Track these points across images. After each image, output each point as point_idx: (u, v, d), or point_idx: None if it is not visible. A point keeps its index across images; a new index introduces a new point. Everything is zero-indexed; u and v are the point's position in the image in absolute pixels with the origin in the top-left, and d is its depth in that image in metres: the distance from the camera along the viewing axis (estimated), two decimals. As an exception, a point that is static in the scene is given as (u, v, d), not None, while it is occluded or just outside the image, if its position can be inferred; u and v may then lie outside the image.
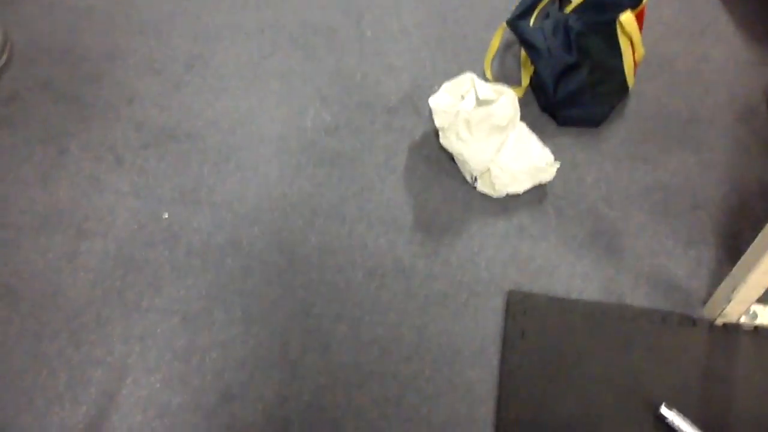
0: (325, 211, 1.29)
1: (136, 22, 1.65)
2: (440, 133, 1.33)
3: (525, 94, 1.42)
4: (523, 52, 1.44)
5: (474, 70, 1.42)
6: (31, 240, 1.27)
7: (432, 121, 1.31)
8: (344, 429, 1.04)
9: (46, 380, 1.09)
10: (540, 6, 1.39)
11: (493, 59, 1.48)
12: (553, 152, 1.29)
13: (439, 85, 1.30)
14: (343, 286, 1.19)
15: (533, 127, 1.32)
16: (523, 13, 1.38)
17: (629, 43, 1.33)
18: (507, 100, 1.25)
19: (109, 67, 1.56)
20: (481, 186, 1.28)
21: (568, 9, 1.36)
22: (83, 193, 1.34)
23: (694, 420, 0.99)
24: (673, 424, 0.99)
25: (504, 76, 1.48)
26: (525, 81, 1.43)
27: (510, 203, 1.27)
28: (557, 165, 1.24)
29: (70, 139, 1.43)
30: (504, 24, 1.41)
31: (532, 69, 1.40)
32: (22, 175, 1.37)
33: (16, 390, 1.08)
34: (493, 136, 1.26)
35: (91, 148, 1.41)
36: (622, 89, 1.38)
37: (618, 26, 1.31)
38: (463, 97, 1.32)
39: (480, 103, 1.27)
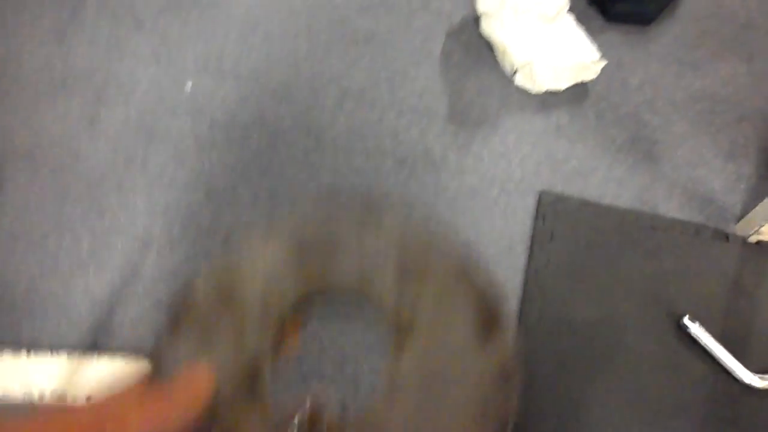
0: (355, 94, 1.23)
1: None
2: (482, 19, 1.25)
3: (574, -17, 1.33)
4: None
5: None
6: (48, 103, 1.22)
7: (473, 3, 1.23)
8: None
9: (70, 245, 1.07)
10: None
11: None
12: (599, 50, 1.21)
13: (487, -34, 1.21)
14: (371, 173, 1.16)
15: (580, 20, 1.24)
16: None
17: (695, -65, 1.23)
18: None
19: None
20: (521, 79, 1.21)
21: None
22: (102, 56, 1.27)
23: (715, 334, 0.99)
24: (695, 335, 0.99)
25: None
26: (576, -32, 1.33)
27: (549, 100, 1.22)
28: (603, 63, 1.18)
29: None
30: None
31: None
32: (37, 32, 1.29)
33: (40, 253, 1.06)
34: (540, 27, 1.18)
35: (107, 8, 1.33)
36: (680, -14, 1.29)
37: None
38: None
39: (528, -12, 1.18)
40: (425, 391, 0.28)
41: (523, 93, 1.22)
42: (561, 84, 1.20)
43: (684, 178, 1.15)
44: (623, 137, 1.19)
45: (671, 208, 1.12)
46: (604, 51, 1.24)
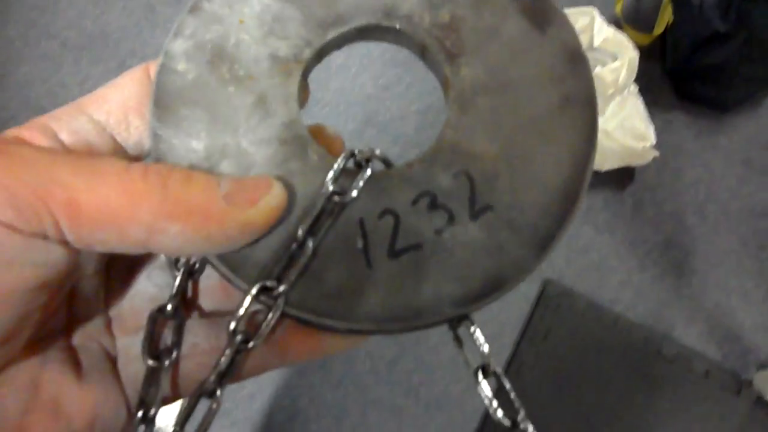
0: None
1: None
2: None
3: (652, 43, 1.15)
4: (668, -7, 1.14)
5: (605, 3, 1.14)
6: (72, 61, 1.15)
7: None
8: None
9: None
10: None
11: (630, -8, 1.18)
12: (660, 129, 1.04)
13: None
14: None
15: (647, 89, 1.07)
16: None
17: (805, 23, 1.03)
18: (624, 63, 1.00)
19: None
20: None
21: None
22: (135, 22, 1.19)
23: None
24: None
25: (636, 15, 1.19)
26: (658, 29, 1.14)
27: (586, 178, 1.07)
28: (656, 154, 1.01)
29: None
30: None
31: (671, 18, 1.12)
32: (78, -17, 1.22)
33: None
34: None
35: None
36: (772, 76, 1.09)
37: (800, 0, 1.00)
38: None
39: (592, 51, 1.02)
40: (496, 95, 0.25)
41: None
42: (605, 165, 1.04)
43: (712, 304, 0.99)
44: (657, 239, 1.03)
45: (688, 334, 0.97)
46: (665, 133, 1.07)
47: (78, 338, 0.25)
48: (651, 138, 1.03)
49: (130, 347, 0.25)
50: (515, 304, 0.98)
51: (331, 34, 0.26)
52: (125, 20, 1.18)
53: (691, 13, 1.04)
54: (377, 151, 0.25)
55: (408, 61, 1.13)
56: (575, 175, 0.25)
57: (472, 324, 0.25)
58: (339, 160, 0.24)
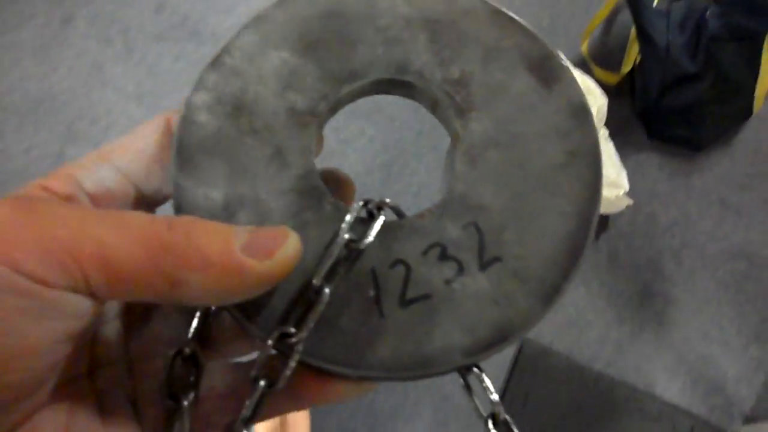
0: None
1: None
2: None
3: (620, 82, 1.11)
4: (633, 29, 1.11)
5: (567, 37, 1.11)
6: (15, 128, 1.09)
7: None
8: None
9: None
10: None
11: (593, 30, 1.15)
12: (633, 171, 1.01)
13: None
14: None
15: (617, 131, 1.03)
16: (652, -15, 1.04)
17: (774, 60, 1.00)
18: (593, 113, 0.96)
19: None
20: (532, 199, 1.03)
21: (710, -6, 1.01)
22: (83, 81, 1.13)
23: None
24: None
25: (603, 53, 1.15)
26: (626, 67, 1.11)
27: (560, 227, 1.03)
28: (629, 202, 0.98)
29: (78, 7, 1.19)
30: (621, -5, 1.07)
31: (639, 57, 1.09)
32: (20, 41, 1.15)
33: None
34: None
35: (99, 23, 1.17)
36: (743, 113, 1.06)
37: (767, 41, 0.97)
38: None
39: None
40: (504, 149, 0.26)
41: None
42: (576, 214, 1.01)
43: (694, 356, 0.96)
44: (635, 289, 1.00)
45: (671, 389, 0.94)
46: (639, 175, 1.04)
47: (100, 382, 0.25)
48: (624, 185, 0.99)
49: (150, 390, 0.26)
50: (492, 366, 0.94)
51: (346, 89, 0.27)
52: (72, 81, 1.12)
53: (659, 55, 1.01)
54: (388, 200, 0.25)
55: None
56: (580, 227, 0.25)
57: (482, 372, 0.25)
58: (354, 207, 0.25)
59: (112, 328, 0.26)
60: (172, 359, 0.24)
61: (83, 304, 0.21)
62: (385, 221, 0.25)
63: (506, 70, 0.27)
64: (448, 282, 0.25)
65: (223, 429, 0.24)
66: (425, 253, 0.25)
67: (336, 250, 0.24)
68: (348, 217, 0.24)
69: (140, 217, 0.21)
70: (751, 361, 0.96)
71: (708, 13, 0.98)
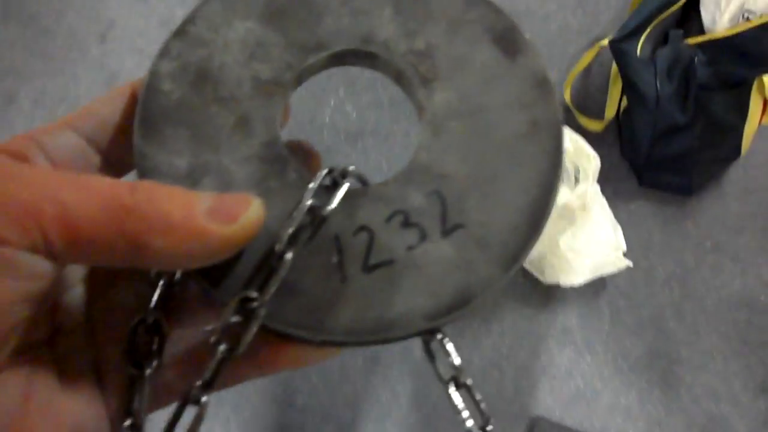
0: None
1: None
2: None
3: (605, 129, 1.07)
4: (613, 69, 1.06)
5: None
6: None
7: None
8: None
9: None
10: (655, 21, 1.00)
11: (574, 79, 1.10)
12: (626, 223, 0.98)
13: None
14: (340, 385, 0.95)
15: (606, 179, 0.99)
16: (633, 32, 0.99)
17: (761, 103, 0.97)
18: (588, 181, 0.92)
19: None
20: (528, 264, 0.99)
21: (693, 40, 0.97)
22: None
23: None
24: None
25: (584, 98, 1.11)
26: (609, 112, 1.07)
27: (558, 292, 0.99)
28: (629, 263, 0.95)
29: (21, 83, 1.08)
30: (603, 42, 1.02)
31: (621, 99, 1.05)
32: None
33: None
34: (560, 213, 0.95)
35: (46, 102, 1.08)
36: (733, 154, 1.03)
37: (755, 84, 0.94)
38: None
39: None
40: (468, 119, 0.26)
41: (529, 279, 0.99)
42: (576, 279, 0.97)
43: (703, 415, 0.95)
44: (639, 350, 0.97)
45: (684, 454, 0.93)
46: (632, 226, 1.01)
47: (62, 349, 0.25)
48: (622, 244, 0.96)
49: (112, 358, 0.25)
50: (504, 449, 0.91)
51: (312, 59, 0.27)
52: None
53: (648, 106, 0.97)
54: (352, 168, 0.25)
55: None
56: (542, 196, 0.25)
57: (444, 337, 0.25)
58: (318, 174, 0.25)
59: (74, 295, 0.26)
60: (134, 327, 0.24)
61: (43, 266, 0.20)
62: (349, 188, 0.25)
63: (470, 41, 0.27)
64: (410, 248, 0.25)
65: (181, 395, 0.23)
66: (389, 220, 0.25)
67: (299, 216, 0.24)
68: (311, 184, 0.24)
69: (102, 180, 0.21)
70: (760, 414, 0.95)
71: (696, 61, 0.94)
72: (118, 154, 0.26)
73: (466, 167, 0.26)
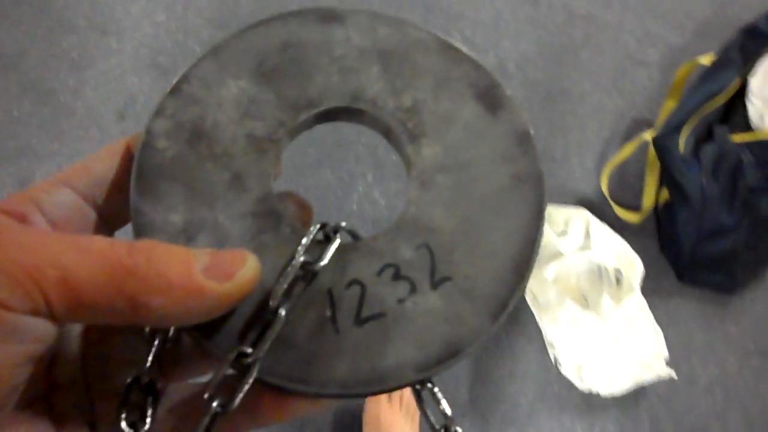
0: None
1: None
2: (529, 300, 0.96)
3: (643, 220, 1.03)
4: (650, 155, 1.02)
5: (584, 172, 1.02)
6: None
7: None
8: None
9: None
10: (699, 115, 0.96)
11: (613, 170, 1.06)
12: (666, 323, 0.93)
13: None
14: None
15: (646, 274, 0.95)
16: (676, 127, 0.95)
17: (811, 204, 0.93)
18: (634, 290, 0.88)
19: (103, 44, 1.12)
20: (566, 370, 0.94)
21: (740, 137, 0.93)
22: None
23: None
24: None
25: (620, 186, 1.07)
26: (647, 202, 1.03)
27: (595, 398, 0.95)
28: (671, 374, 0.90)
29: (36, 164, 1.04)
30: (645, 137, 0.98)
31: (659, 188, 1.01)
32: None
33: None
34: (599, 322, 0.90)
35: (64, 183, 1.03)
36: (777, 253, 0.99)
37: (806, 185, 0.90)
38: (565, 234, 0.95)
39: (599, 274, 0.90)
40: (454, 174, 0.27)
41: (566, 385, 0.95)
42: (615, 388, 0.92)
43: None
44: (682, 463, 0.93)
45: None
46: (672, 324, 0.96)
47: (58, 403, 0.25)
48: (664, 351, 0.92)
49: (108, 412, 0.25)
50: None
51: (303, 116, 0.28)
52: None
53: (692, 206, 0.92)
54: (344, 224, 0.26)
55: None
56: (526, 247, 0.26)
57: (434, 387, 0.25)
58: (311, 230, 0.25)
59: (70, 349, 0.26)
60: (128, 387, 0.24)
61: (45, 327, 0.20)
62: (340, 243, 0.25)
63: (455, 98, 0.28)
64: (401, 301, 0.25)
65: None
66: (380, 273, 0.25)
67: (292, 272, 0.24)
68: (304, 240, 0.25)
69: (101, 241, 0.21)
70: None
71: (741, 157, 0.90)
72: (113, 209, 0.26)
73: (453, 220, 0.26)
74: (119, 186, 0.26)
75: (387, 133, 0.29)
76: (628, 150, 1.01)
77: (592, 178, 1.06)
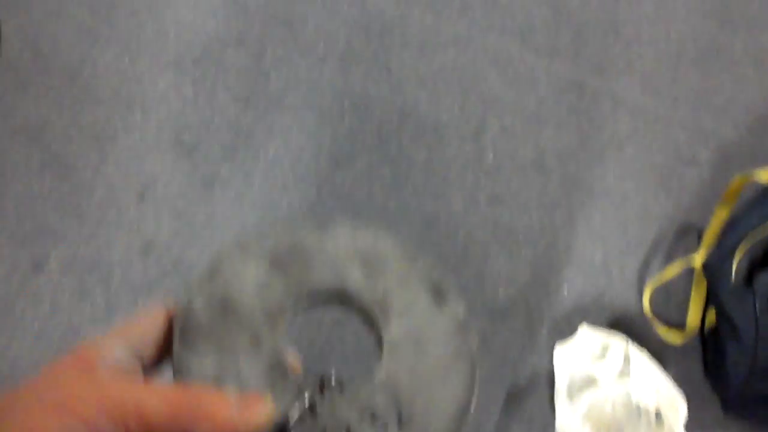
0: None
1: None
2: (556, 400, 0.90)
3: (686, 340, 0.95)
4: (697, 270, 0.95)
5: (623, 275, 0.95)
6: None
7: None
8: None
9: None
10: (754, 237, 0.88)
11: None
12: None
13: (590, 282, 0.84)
14: None
15: (687, 399, 0.88)
16: (729, 251, 0.87)
17: None
18: (676, 418, 0.81)
19: (128, 118, 1.09)
20: None
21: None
22: (55, 348, 0.95)
23: None
24: None
25: (664, 301, 0.99)
26: (692, 321, 0.95)
27: None
28: None
29: (51, 245, 1.01)
30: (694, 263, 0.91)
31: (705, 307, 0.93)
32: None
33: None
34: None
35: (76, 269, 0.99)
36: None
37: None
38: (602, 358, 0.88)
39: (633, 411, 0.82)
40: (413, 347, 0.36)
41: None
42: None
43: None
44: None
45: None
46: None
47: None
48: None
49: None
50: None
51: (303, 299, 0.37)
52: (41, 350, 0.94)
53: (743, 342, 0.84)
54: (335, 374, 0.34)
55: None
56: (463, 406, 0.35)
57: None
58: (312, 382, 0.34)
59: None
60: None
61: None
62: (332, 387, 0.34)
63: (413, 291, 0.37)
64: None
65: None
66: (361, 416, 0.34)
67: (296, 414, 0.33)
68: (307, 393, 0.34)
69: (164, 385, 0.31)
70: None
71: (803, 295, 0.82)
72: (154, 358, 0.33)
73: (413, 380, 0.35)
74: (160, 342, 0.33)
75: (364, 317, 0.37)
76: (673, 271, 0.94)
77: (632, 290, 0.98)
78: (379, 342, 0.36)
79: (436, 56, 1.15)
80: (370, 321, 0.37)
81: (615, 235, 1.03)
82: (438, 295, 0.37)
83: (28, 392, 0.28)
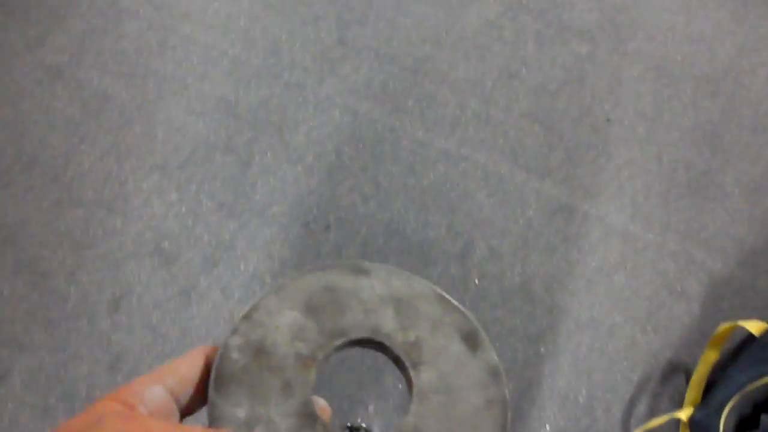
0: None
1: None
2: None
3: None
4: (682, 426, 0.91)
5: (608, 414, 0.91)
6: None
7: None
8: None
9: None
10: (743, 392, 0.85)
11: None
12: None
13: None
14: None
15: None
16: (718, 407, 0.84)
17: None
18: None
19: (108, 222, 1.06)
20: None
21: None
22: None
23: None
24: None
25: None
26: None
27: None
28: None
29: (16, 356, 0.97)
30: (681, 417, 0.88)
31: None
32: None
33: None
34: None
35: (40, 382, 0.95)
36: None
37: None
38: None
39: None
40: (444, 394, 0.36)
41: None
42: None
43: None
44: None
45: None
46: None
47: None
48: None
49: None
50: None
51: (337, 342, 0.36)
52: None
53: None
54: (363, 424, 0.42)
55: None
56: None
57: None
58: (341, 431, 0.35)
59: None
60: None
61: None
62: None
63: (446, 338, 0.37)
64: None
65: None
66: None
67: None
68: None
69: (199, 428, 0.29)
70: None
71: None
72: (190, 400, 0.34)
73: (444, 427, 0.34)
74: (197, 386, 0.34)
75: (396, 361, 0.37)
76: (658, 422, 0.90)
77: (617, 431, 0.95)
78: (410, 387, 0.36)
79: (426, 171, 1.14)
80: (402, 366, 0.37)
81: (601, 370, 1.00)
82: (470, 342, 0.37)
83: (70, 431, 0.29)
